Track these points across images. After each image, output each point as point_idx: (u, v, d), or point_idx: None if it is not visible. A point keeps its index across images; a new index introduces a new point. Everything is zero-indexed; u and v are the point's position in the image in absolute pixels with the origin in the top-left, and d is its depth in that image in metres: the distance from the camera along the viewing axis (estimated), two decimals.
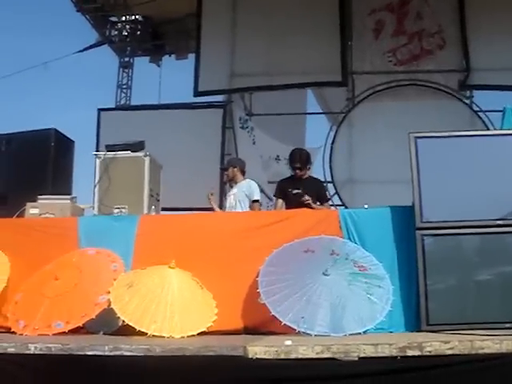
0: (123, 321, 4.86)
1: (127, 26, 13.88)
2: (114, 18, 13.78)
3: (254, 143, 11.29)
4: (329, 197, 9.49)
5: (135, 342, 4.36)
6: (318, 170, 10.15)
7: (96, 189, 6.67)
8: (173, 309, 4.94)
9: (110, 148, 6.86)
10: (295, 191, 6.91)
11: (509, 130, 6.32)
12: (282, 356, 4.02)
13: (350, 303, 4.85)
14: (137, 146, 6.85)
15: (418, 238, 5.18)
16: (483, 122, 10.18)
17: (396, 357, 4.07)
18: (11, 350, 4.24)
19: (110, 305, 4.94)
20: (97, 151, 7.29)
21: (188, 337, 4.81)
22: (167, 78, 14.35)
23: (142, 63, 14.54)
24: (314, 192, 7.00)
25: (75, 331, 4.89)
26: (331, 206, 9.35)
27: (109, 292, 4.99)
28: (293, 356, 4.03)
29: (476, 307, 5.06)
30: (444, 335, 4.50)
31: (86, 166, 7.72)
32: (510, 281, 5.09)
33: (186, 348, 4.19)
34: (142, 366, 4.38)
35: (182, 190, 8.84)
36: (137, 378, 4.57)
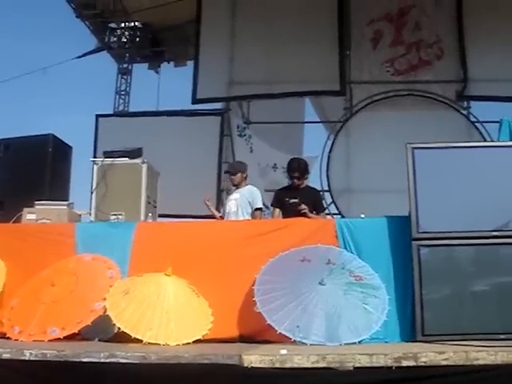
0: (119, 328, 4.86)
1: (126, 33, 13.87)
2: (113, 25, 13.76)
3: (251, 151, 11.30)
4: (325, 206, 9.51)
5: (131, 350, 4.35)
6: (315, 179, 10.16)
7: (93, 195, 6.70)
8: (168, 316, 4.94)
9: (107, 154, 6.88)
10: (292, 200, 6.91)
11: (505, 141, 6.35)
12: (277, 365, 4.02)
13: (346, 313, 4.85)
14: (134, 153, 6.87)
15: (413, 249, 5.20)
16: (480, 132, 10.20)
17: (391, 367, 4.08)
18: (6, 356, 4.24)
19: (105, 311, 4.94)
20: (94, 157, 7.30)
21: (183, 344, 4.80)
22: (166, 85, 14.37)
23: (140, 70, 14.54)
24: (311, 201, 7.00)
25: (71, 338, 4.89)
26: (328, 214, 9.36)
27: (105, 299, 5.00)
28: (288, 365, 4.03)
29: (471, 318, 5.07)
30: (439, 346, 4.52)
31: (83, 171, 7.73)
32: (505, 292, 5.11)
33: (182, 356, 4.19)
34: (138, 374, 4.37)
35: (179, 197, 8.85)
36: None
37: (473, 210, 5.29)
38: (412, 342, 5.00)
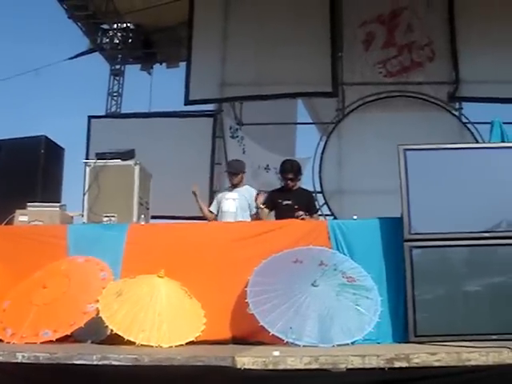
0: (111, 330, 4.85)
1: (118, 34, 13.86)
2: (105, 26, 13.75)
3: (243, 152, 11.27)
4: (318, 207, 9.53)
5: (123, 352, 4.35)
6: (307, 180, 10.16)
7: (85, 197, 6.69)
8: (161, 318, 4.93)
9: (100, 156, 6.88)
10: (285, 202, 6.91)
11: (496, 142, 6.38)
12: (270, 367, 4.03)
13: (339, 314, 4.86)
14: (127, 155, 6.86)
15: (406, 250, 5.22)
16: (472, 133, 10.23)
17: (384, 368, 4.09)
18: None
19: (98, 313, 4.93)
20: (87, 159, 7.29)
21: (176, 346, 4.80)
22: (158, 87, 14.38)
23: (133, 71, 14.51)
24: (304, 203, 7.01)
25: (63, 340, 4.88)
26: (320, 216, 9.38)
27: (97, 301, 4.99)
28: (281, 367, 4.04)
29: (463, 319, 5.09)
30: (431, 347, 4.53)
31: (75, 173, 7.71)
32: (497, 293, 5.14)
33: (174, 358, 4.19)
34: (131, 375, 4.37)
35: (172, 198, 8.85)
36: None
37: (464, 211, 5.31)
38: (404, 343, 5.02)
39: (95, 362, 4.15)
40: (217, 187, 10.52)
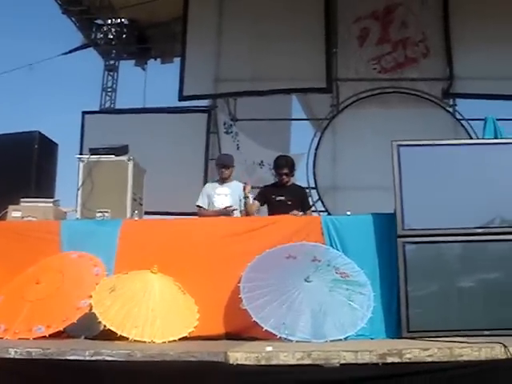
0: (105, 325, 4.85)
1: (113, 29, 13.81)
2: (99, 21, 13.70)
3: (238, 148, 11.26)
4: (312, 203, 9.54)
5: (116, 347, 4.35)
6: (301, 176, 10.17)
7: (79, 192, 6.66)
8: (154, 314, 4.94)
9: (93, 151, 6.85)
10: (279, 198, 6.91)
11: (490, 139, 6.40)
12: (263, 362, 4.03)
13: (332, 310, 4.88)
14: (120, 150, 6.84)
15: (399, 246, 5.24)
16: (466, 130, 10.24)
17: (378, 363, 4.09)
18: None
19: (91, 309, 4.93)
20: (80, 154, 7.27)
21: (169, 342, 4.82)
22: (152, 82, 14.33)
23: (127, 66, 14.49)
24: (298, 199, 7.03)
25: (56, 335, 4.87)
26: (314, 212, 9.39)
27: (90, 296, 4.99)
28: (273, 362, 4.04)
29: (456, 315, 5.11)
30: (424, 342, 4.54)
31: (69, 169, 7.69)
32: (490, 288, 5.16)
33: (167, 353, 4.19)
34: (124, 371, 4.36)
35: (166, 194, 8.85)
36: (119, 383, 4.55)
37: (458, 206, 5.33)
38: (397, 338, 5.03)
39: (88, 358, 4.14)
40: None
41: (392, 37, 11.00)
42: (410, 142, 5.57)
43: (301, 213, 6.70)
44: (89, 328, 5.05)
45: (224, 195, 7.09)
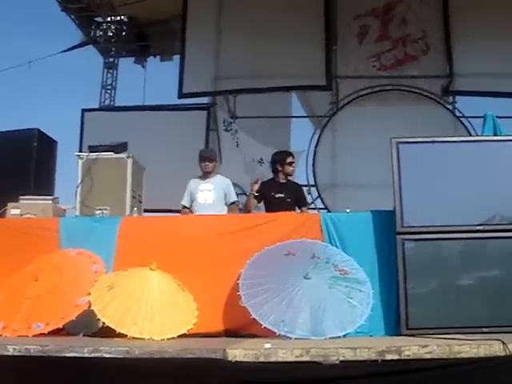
0: (103, 322, 4.85)
1: (112, 27, 13.80)
2: (99, 19, 13.70)
3: (237, 146, 11.28)
4: (311, 201, 9.56)
5: (115, 344, 4.35)
6: (301, 174, 10.19)
7: (78, 190, 6.65)
8: (153, 311, 4.93)
9: (92, 149, 6.84)
10: (278, 195, 6.92)
11: (489, 136, 6.39)
12: (262, 359, 4.03)
13: (331, 307, 4.87)
14: (120, 148, 6.84)
15: (398, 243, 5.23)
16: (465, 127, 10.26)
17: (377, 360, 4.10)
18: None
19: (90, 306, 4.93)
20: (80, 152, 7.26)
21: (168, 339, 4.80)
22: (152, 80, 14.34)
23: (126, 64, 14.47)
24: (296, 196, 7.05)
25: (55, 333, 4.88)
26: (314, 209, 9.40)
27: (89, 293, 4.99)
28: (272, 359, 4.04)
29: (455, 312, 5.10)
30: (423, 339, 4.55)
31: (68, 166, 7.69)
32: (489, 286, 5.15)
33: (166, 350, 4.19)
34: (124, 367, 4.37)
35: (165, 191, 8.82)
36: (119, 380, 4.55)
37: (457, 204, 5.32)
38: (396, 335, 5.03)
39: (86, 355, 4.15)
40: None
41: (392, 34, 11.01)
42: (409, 139, 5.56)
43: (299, 210, 6.72)
44: (88, 325, 5.05)
45: (207, 190, 7.02)
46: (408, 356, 4.08)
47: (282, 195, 6.95)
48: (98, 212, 6.40)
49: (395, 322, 5.16)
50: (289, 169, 7.13)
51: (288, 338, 4.63)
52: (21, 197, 6.55)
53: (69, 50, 13.67)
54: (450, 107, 10.75)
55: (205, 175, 7.12)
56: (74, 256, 5.46)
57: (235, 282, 5.04)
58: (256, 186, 6.86)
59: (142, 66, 14.47)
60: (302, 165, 10.34)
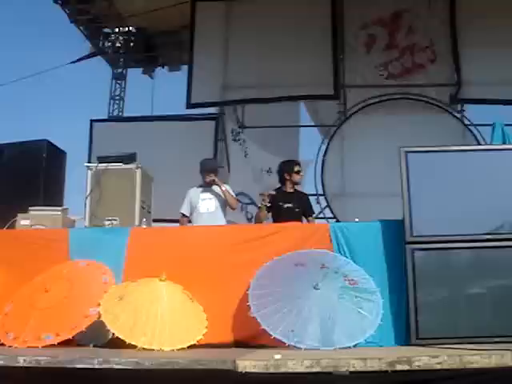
0: (113, 333, 4.86)
1: (120, 38, 13.88)
2: (107, 30, 13.78)
3: (245, 156, 11.29)
4: (320, 210, 9.56)
5: (125, 355, 4.35)
6: (309, 183, 10.19)
7: (87, 200, 6.67)
8: (163, 322, 4.94)
9: (101, 160, 6.87)
10: (286, 205, 6.92)
11: (498, 144, 6.38)
12: (272, 370, 4.01)
13: (341, 317, 4.86)
14: (128, 158, 6.86)
15: (407, 252, 5.22)
16: (474, 135, 10.23)
17: (386, 371, 4.08)
18: (0, 363, 4.22)
19: (100, 317, 4.93)
20: (89, 162, 7.29)
21: (178, 350, 4.81)
22: (160, 90, 14.38)
23: (135, 74, 14.56)
24: (303, 206, 7.05)
25: (65, 344, 4.88)
26: (322, 218, 9.40)
27: (99, 304, 4.99)
28: (282, 370, 4.02)
29: (465, 321, 5.08)
30: (433, 349, 4.52)
31: (77, 177, 7.72)
32: (499, 295, 5.13)
33: (176, 361, 4.18)
34: (133, 379, 4.36)
35: (174, 201, 8.85)
36: None
37: (466, 213, 5.30)
38: (407, 345, 5.01)
39: (97, 366, 4.14)
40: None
41: (399, 43, 11.00)
42: (417, 148, 5.56)
43: (305, 220, 6.73)
44: (97, 336, 5.06)
45: (208, 199, 7.11)
46: (418, 366, 4.05)
47: (291, 205, 6.95)
48: (107, 223, 6.41)
49: (405, 332, 5.15)
50: (296, 177, 7.14)
51: (298, 348, 4.62)
52: (30, 208, 6.58)
53: (77, 60, 13.71)
54: (459, 115, 10.71)
55: (207, 185, 7.17)
56: (83, 267, 5.48)
57: (245, 293, 5.04)
58: (268, 198, 6.87)
59: (150, 77, 14.53)
60: (310, 174, 10.34)
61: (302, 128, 12.74)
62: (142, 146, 8.92)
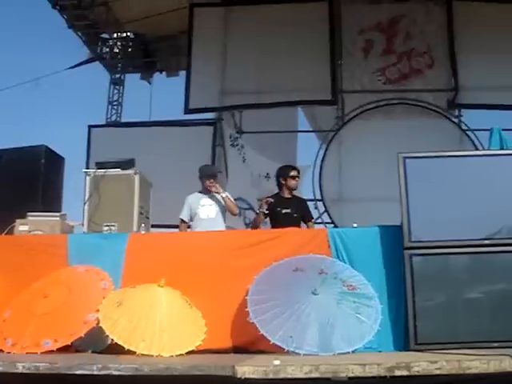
0: (112, 339, 4.85)
1: (118, 43, 13.91)
2: (105, 35, 13.80)
3: (244, 161, 11.30)
4: (318, 215, 9.55)
5: (124, 361, 4.35)
6: (307, 188, 10.20)
7: (86, 206, 6.68)
8: (162, 327, 4.93)
9: (100, 165, 6.88)
10: (284, 211, 6.92)
11: (495, 150, 6.39)
12: (271, 376, 4.02)
13: (339, 322, 4.86)
14: (127, 164, 6.87)
15: (406, 258, 5.23)
16: (471, 140, 10.25)
17: (385, 376, 4.08)
18: None
19: (98, 323, 4.93)
20: (87, 168, 7.29)
21: (177, 356, 4.81)
22: (158, 95, 14.41)
23: (133, 80, 14.58)
24: (302, 211, 7.05)
25: (64, 350, 4.88)
26: (320, 223, 9.40)
27: (98, 310, 4.99)
28: (281, 376, 4.02)
29: (464, 326, 5.09)
30: (432, 355, 4.52)
31: (76, 182, 7.72)
32: (498, 300, 5.14)
33: (175, 367, 4.18)
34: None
35: (172, 207, 8.86)
36: None
37: (464, 218, 5.32)
38: (405, 351, 5.01)
39: (96, 372, 4.14)
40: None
41: (397, 48, 11.04)
42: (415, 153, 5.57)
43: (304, 225, 6.72)
44: (96, 342, 5.05)
45: (208, 205, 7.10)
46: (417, 372, 4.06)
47: (289, 210, 6.95)
48: (105, 228, 6.42)
49: (404, 337, 5.15)
50: (291, 182, 7.12)
51: (296, 353, 4.63)
52: (29, 213, 6.58)
53: (75, 66, 13.75)
54: (456, 120, 10.74)
55: (206, 191, 7.15)
56: (82, 273, 5.48)
57: (243, 298, 5.04)
58: (266, 205, 6.86)
59: (148, 82, 14.56)
60: (308, 179, 10.35)
61: (299, 133, 12.75)
62: (139, 151, 8.93)
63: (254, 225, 7.20)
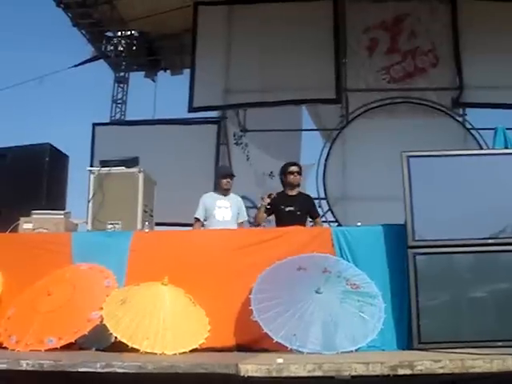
0: (116, 337, 4.86)
1: (123, 41, 13.89)
2: (109, 33, 13.80)
3: (247, 159, 11.30)
4: (322, 213, 9.54)
5: (127, 359, 4.36)
6: (311, 187, 10.20)
7: (90, 204, 6.69)
8: (165, 325, 4.94)
9: (104, 164, 6.88)
10: (288, 209, 6.91)
11: (500, 149, 6.39)
12: (274, 374, 4.02)
13: (343, 321, 4.86)
14: (131, 162, 6.87)
15: (409, 256, 5.22)
16: (476, 139, 10.24)
17: (389, 375, 4.08)
18: (3, 367, 4.22)
19: (102, 321, 4.94)
20: (91, 166, 7.30)
21: (180, 354, 4.81)
22: (162, 94, 14.40)
23: (137, 78, 14.59)
24: (307, 208, 7.04)
25: (68, 347, 4.88)
26: (324, 222, 9.39)
27: (101, 308, 5.00)
28: (284, 374, 4.03)
29: (468, 325, 5.08)
30: (435, 354, 4.51)
31: (80, 181, 7.73)
32: (502, 299, 5.13)
33: (178, 365, 4.19)
34: (136, 383, 4.37)
35: (176, 205, 8.87)
36: None
37: (468, 217, 5.31)
38: (409, 349, 5.02)
39: (99, 370, 4.15)
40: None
41: (401, 47, 11.03)
42: (419, 152, 5.56)
43: (311, 223, 6.70)
44: (100, 340, 5.06)
45: (224, 208, 7.07)
46: (420, 371, 4.06)
47: (292, 208, 6.94)
48: (109, 226, 6.42)
49: (407, 336, 5.15)
50: (290, 177, 7.08)
51: (300, 352, 4.63)
52: (33, 211, 6.59)
53: (80, 64, 13.77)
54: (460, 119, 10.73)
55: (223, 192, 7.15)
56: (86, 270, 5.48)
57: (247, 297, 5.05)
58: (268, 200, 6.85)
59: (153, 80, 14.56)
60: (312, 178, 10.36)
61: (303, 132, 12.74)
62: (144, 149, 8.94)
63: (255, 221, 7.19)
